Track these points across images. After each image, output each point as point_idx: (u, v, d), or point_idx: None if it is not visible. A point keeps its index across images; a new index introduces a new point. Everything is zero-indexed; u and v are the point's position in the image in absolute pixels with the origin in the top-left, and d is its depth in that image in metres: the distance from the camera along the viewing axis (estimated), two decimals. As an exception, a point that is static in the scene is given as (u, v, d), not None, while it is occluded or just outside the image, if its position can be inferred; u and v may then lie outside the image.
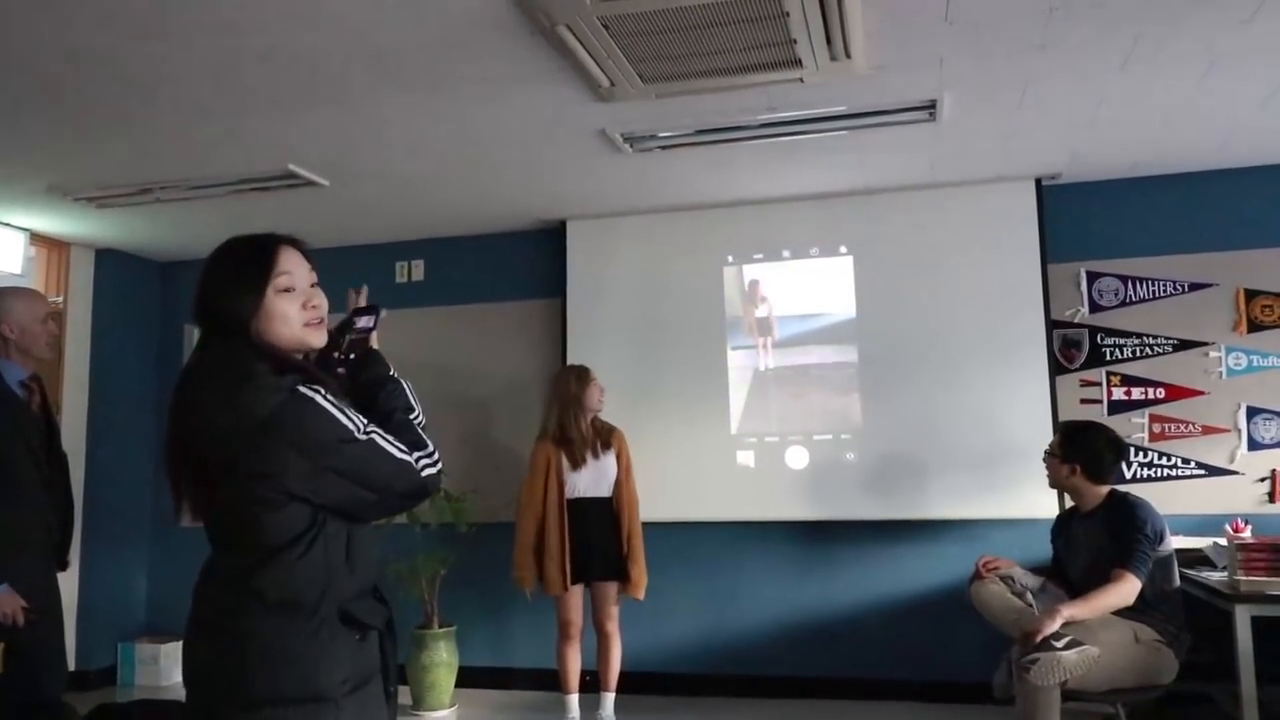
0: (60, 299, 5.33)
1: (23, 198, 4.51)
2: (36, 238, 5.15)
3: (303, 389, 1.56)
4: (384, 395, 1.73)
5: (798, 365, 4.82)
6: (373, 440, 1.60)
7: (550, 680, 4.44)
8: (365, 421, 1.61)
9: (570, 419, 4.18)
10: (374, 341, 1.88)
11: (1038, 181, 4.58)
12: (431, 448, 1.70)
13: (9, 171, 4.15)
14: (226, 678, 1.53)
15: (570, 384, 4.23)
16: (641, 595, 4.19)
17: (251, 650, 1.52)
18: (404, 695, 4.73)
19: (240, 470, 1.53)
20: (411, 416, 1.73)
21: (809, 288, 4.84)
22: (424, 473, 1.65)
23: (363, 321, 1.85)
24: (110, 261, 5.58)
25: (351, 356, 1.81)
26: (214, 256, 1.70)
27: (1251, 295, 4.46)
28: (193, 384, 1.62)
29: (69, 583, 3.45)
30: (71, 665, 4.25)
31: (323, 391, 1.58)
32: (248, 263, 1.66)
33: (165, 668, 5.30)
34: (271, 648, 1.53)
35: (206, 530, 1.65)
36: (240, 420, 1.52)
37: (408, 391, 1.77)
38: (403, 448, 1.63)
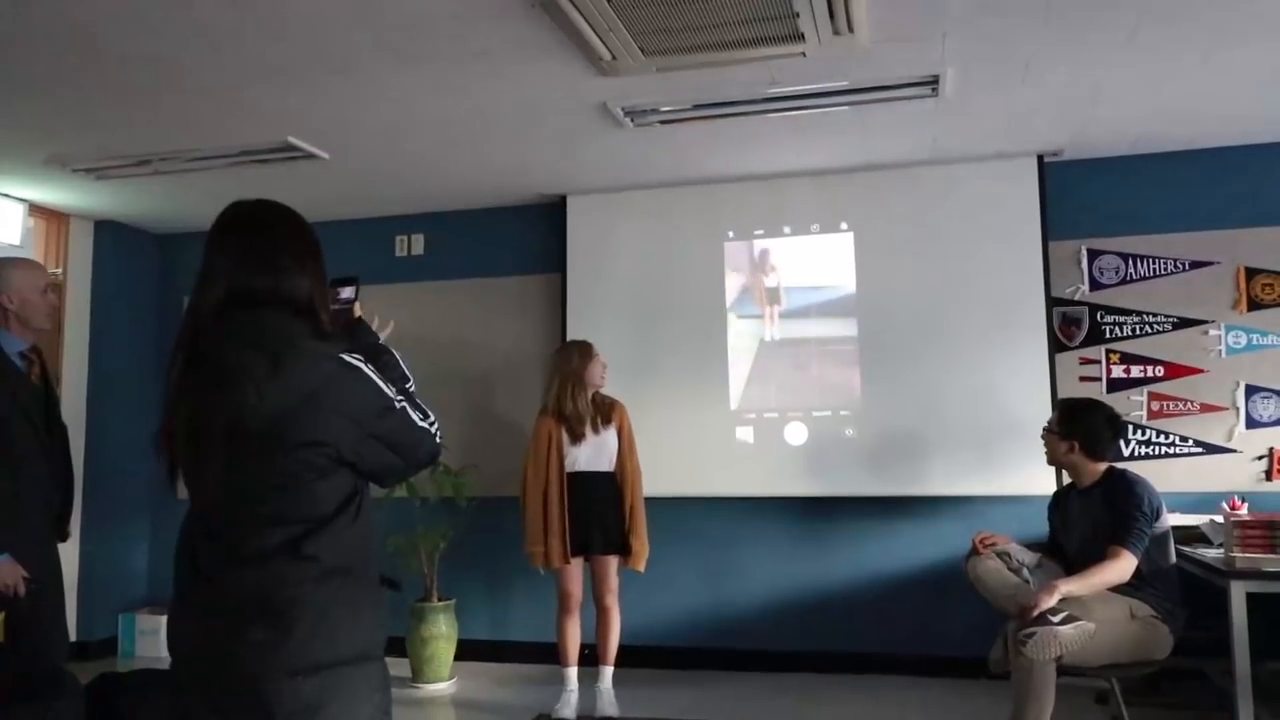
0: (59, 270, 5.32)
1: (22, 168, 4.49)
2: (35, 209, 5.14)
3: (346, 357, 1.60)
4: (380, 365, 1.73)
5: (801, 338, 4.82)
6: (405, 409, 1.66)
7: (549, 653, 4.47)
8: (396, 390, 1.66)
9: (570, 394, 4.18)
10: (357, 310, 1.89)
11: (1040, 158, 4.56)
12: (434, 416, 1.74)
13: (8, 142, 4.13)
14: (285, 650, 1.51)
15: (573, 359, 4.23)
16: (642, 568, 4.20)
17: (308, 619, 1.52)
18: (403, 668, 4.77)
19: (294, 439, 1.53)
20: (408, 386, 1.75)
21: (811, 263, 4.83)
22: (437, 439, 1.73)
23: (345, 293, 1.85)
24: (109, 233, 5.57)
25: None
26: (297, 224, 1.70)
27: (1252, 273, 4.45)
28: (234, 355, 1.55)
29: (69, 554, 3.47)
30: (72, 636, 4.28)
31: (363, 359, 1.63)
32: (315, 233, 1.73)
33: (166, 638, 5.33)
34: (328, 614, 1.54)
35: (225, 512, 1.58)
36: (295, 388, 1.53)
37: (400, 361, 1.80)
38: (421, 415, 1.70)
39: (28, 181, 4.71)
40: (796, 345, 4.82)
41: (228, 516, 1.58)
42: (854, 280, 4.76)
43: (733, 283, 4.93)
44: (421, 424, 1.69)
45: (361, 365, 1.61)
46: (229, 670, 1.53)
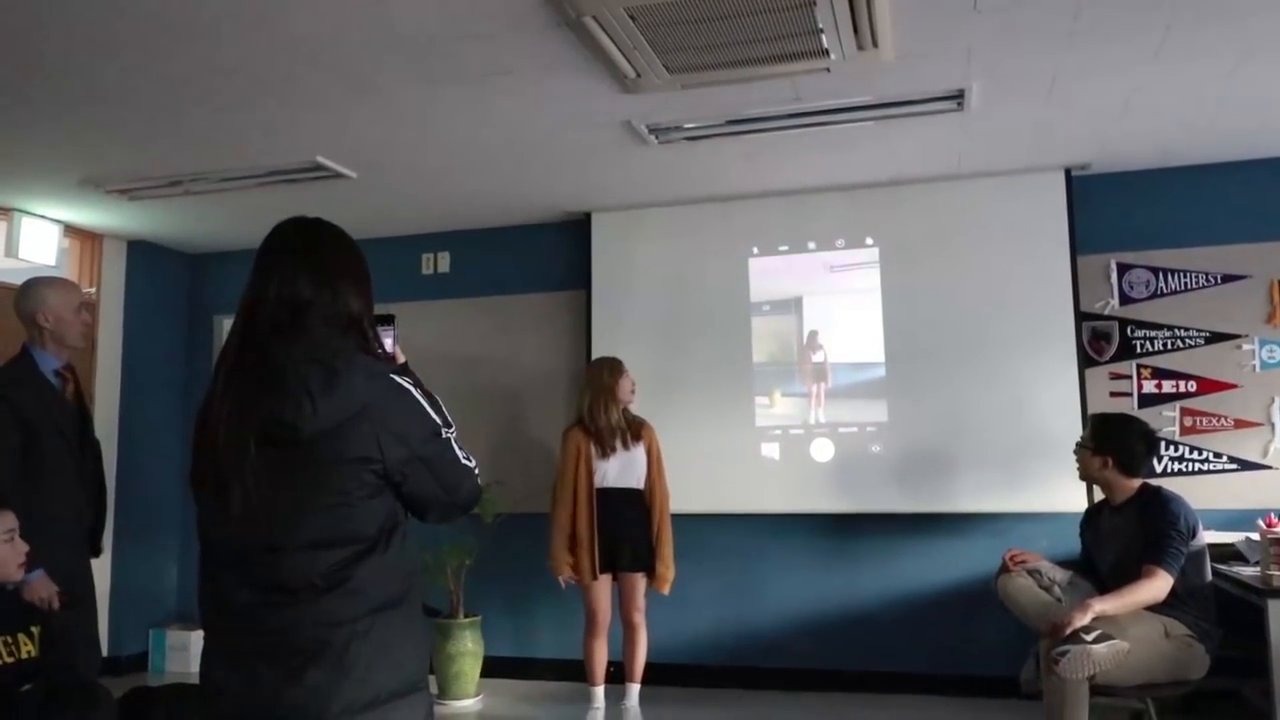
0: (93, 290, 5.41)
1: (56, 190, 4.58)
2: (70, 230, 5.22)
3: (396, 378, 1.61)
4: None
5: (846, 420, 4.74)
6: (450, 441, 1.65)
7: (575, 671, 4.46)
8: (443, 421, 1.65)
9: (602, 408, 4.20)
10: (399, 356, 1.84)
11: (1067, 172, 4.52)
12: (475, 461, 1.72)
13: (43, 164, 4.21)
14: (342, 689, 1.48)
15: (604, 374, 4.26)
16: (667, 591, 4.20)
17: (365, 657, 1.50)
18: (429, 684, 4.77)
19: (347, 453, 1.52)
20: (450, 432, 1.70)
21: (842, 292, 4.80)
22: (479, 481, 1.72)
23: (387, 341, 1.80)
24: (142, 253, 5.66)
25: None
26: (350, 244, 1.70)
27: (1285, 287, 4.39)
28: (291, 365, 1.53)
29: (101, 570, 3.51)
30: (104, 651, 4.32)
31: (412, 382, 1.64)
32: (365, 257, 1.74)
33: (196, 654, 5.35)
34: (383, 649, 1.52)
35: (267, 532, 1.52)
36: (348, 401, 1.52)
37: (443, 406, 1.74)
38: (466, 455, 1.69)
39: (62, 203, 4.79)
40: (838, 426, 4.76)
41: (270, 537, 1.52)
42: (879, 295, 4.73)
43: (756, 295, 4.91)
44: (465, 462, 1.68)
45: (411, 388, 1.62)
46: (282, 715, 1.49)
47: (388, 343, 1.79)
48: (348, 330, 1.62)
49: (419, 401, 1.62)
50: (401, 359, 1.84)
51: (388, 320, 1.82)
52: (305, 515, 1.52)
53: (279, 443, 1.51)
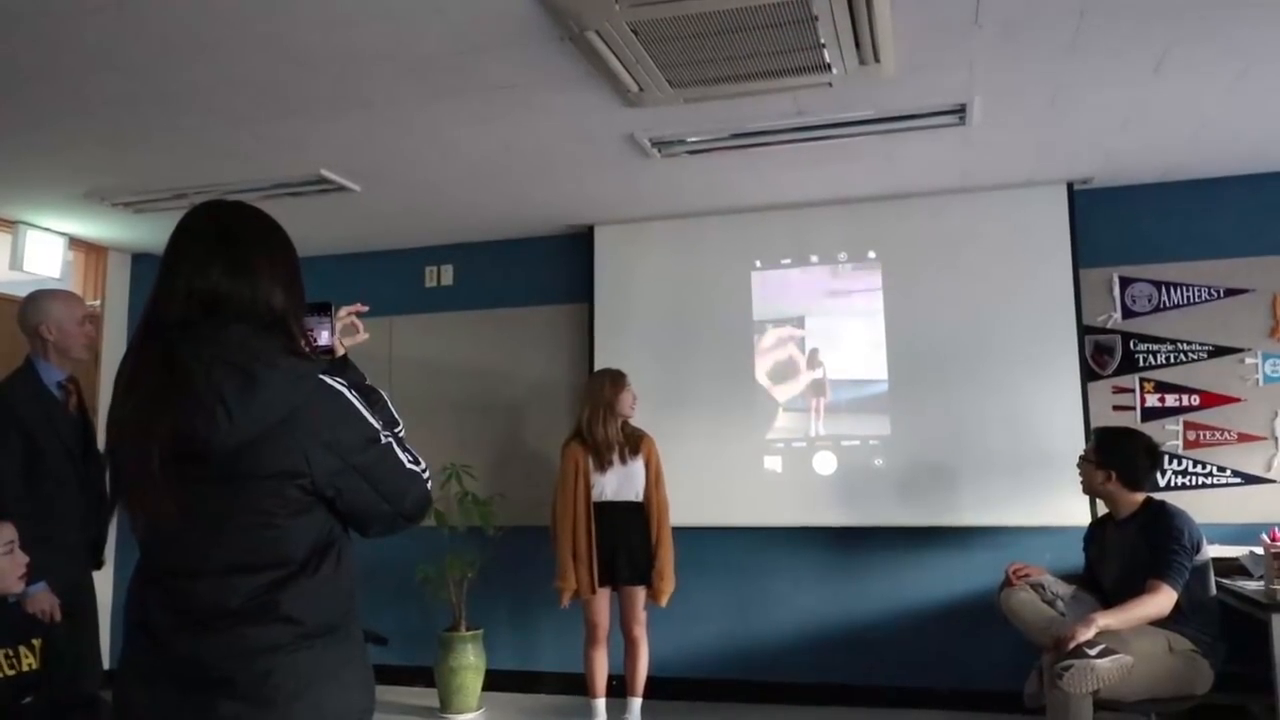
0: (97, 302, 5.42)
1: (62, 203, 4.60)
2: (75, 242, 5.24)
3: (327, 379, 1.44)
4: (368, 401, 1.54)
5: (849, 433, 4.73)
6: (391, 445, 1.49)
7: (577, 684, 4.45)
8: (383, 424, 1.50)
9: (600, 421, 4.19)
10: (339, 348, 1.70)
11: (1069, 186, 4.53)
12: (425, 464, 1.56)
13: (49, 177, 4.23)
14: None
15: (604, 387, 4.25)
16: (665, 603, 4.19)
17: (287, 690, 1.36)
18: (431, 698, 4.77)
19: (265, 468, 1.37)
20: (398, 430, 1.56)
21: (840, 302, 4.81)
22: (427, 486, 1.56)
23: (323, 336, 1.63)
24: (146, 265, 5.67)
25: None
26: (272, 229, 1.52)
27: (1289, 301, 4.39)
28: (201, 370, 1.36)
29: (104, 582, 3.51)
30: (106, 664, 4.31)
31: (347, 384, 1.48)
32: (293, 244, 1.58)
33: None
34: (312, 682, 1.38)
35: (180, 558, 1.41)
36: (269, 410, 1.36)
37: (389, 404, 1.60)
38: (413, 459, 1.53)
39: (68, 215, 4.81)
40: (841, 439, 4.76)
41: (183, 563, 1.40)
42: (881, 309, 4.74)
43: (759, 312, 4.92)
44: (410, 467, 1.51)
45: (345, 390, 1.45)
46: None
47: (324, 335, 1.63)
48: (270, 329, 1.44)
49: (353, 404, 1.45)
50: (341, 351, 1.70)
51: (324, 308, 1.65)
52: (222, 538, 1.38)
53: (190, 457, 1.35)
